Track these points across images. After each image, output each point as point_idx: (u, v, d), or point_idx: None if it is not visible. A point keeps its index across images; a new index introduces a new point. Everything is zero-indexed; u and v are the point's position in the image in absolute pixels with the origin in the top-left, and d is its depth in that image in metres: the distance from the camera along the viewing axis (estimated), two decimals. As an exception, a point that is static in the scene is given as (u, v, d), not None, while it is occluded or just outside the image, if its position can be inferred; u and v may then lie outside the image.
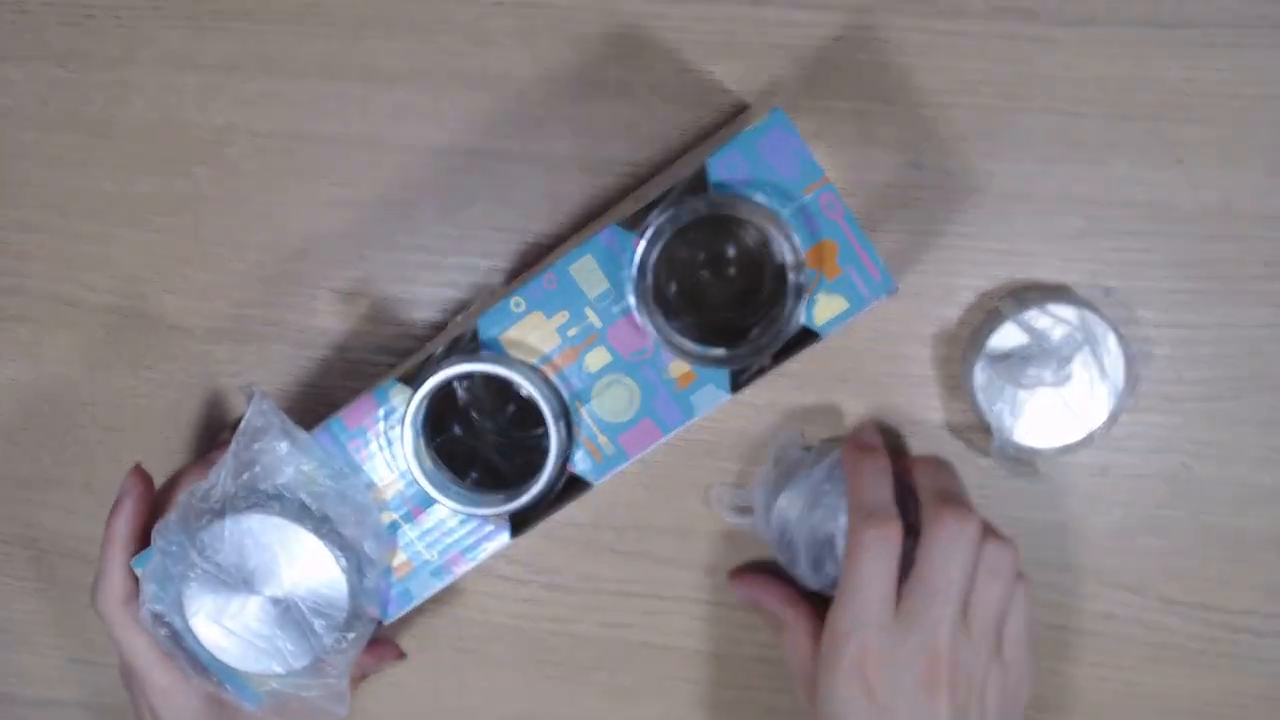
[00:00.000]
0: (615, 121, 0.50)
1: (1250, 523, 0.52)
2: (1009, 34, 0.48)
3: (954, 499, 0.46)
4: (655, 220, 0.41)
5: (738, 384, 0.44)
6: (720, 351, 0.43)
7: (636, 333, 0.43)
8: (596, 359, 0.44)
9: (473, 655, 0.57)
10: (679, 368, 0.44)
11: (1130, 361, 0.48)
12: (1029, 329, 0.48)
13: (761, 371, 0.43)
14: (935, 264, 0.51)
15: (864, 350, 0.52)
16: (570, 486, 0.45)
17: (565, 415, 0.44)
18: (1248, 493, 0.52)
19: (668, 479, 0.54)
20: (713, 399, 0.44)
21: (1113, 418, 0.49)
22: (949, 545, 0.44)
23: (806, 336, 0.43)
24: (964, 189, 0.50)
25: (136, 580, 0.46)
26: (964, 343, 0.51)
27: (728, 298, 0.46)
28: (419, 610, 0.56)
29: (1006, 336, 0.49)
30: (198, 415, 0.55)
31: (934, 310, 0.51)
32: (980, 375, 0.49)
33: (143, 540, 0.46)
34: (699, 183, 0.42)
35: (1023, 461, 0.50)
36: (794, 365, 0.52)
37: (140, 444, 0.56)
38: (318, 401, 0.54)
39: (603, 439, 0.44)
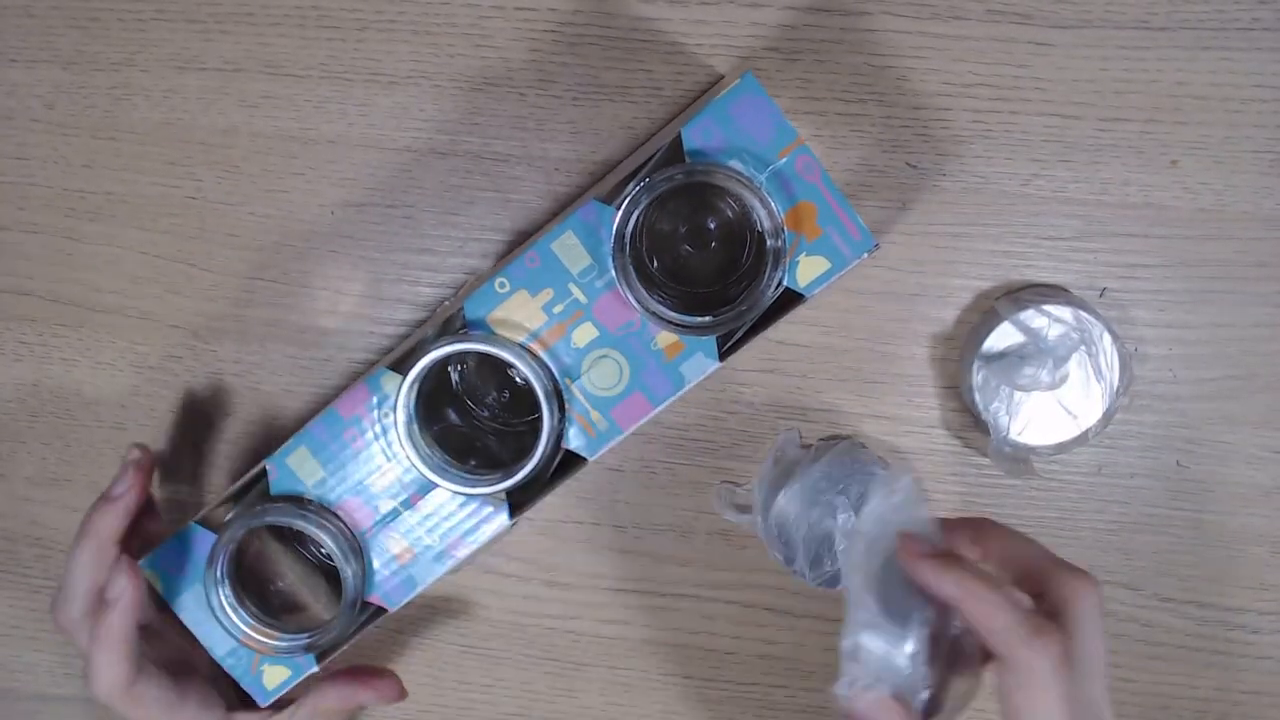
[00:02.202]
0: (615, 123, 0.51)
1: (1245, 521, 0.52)
2: (1005, 37, 0.48)
3: (1068, 564, 0.41)
4: (632, 190, 0.41)
5: (725, 351, 0.44)
6: (703, 318, 0.42)
7: (622, 306, 0.43)
8: (584, 334, 0.44)
9: (473, 651, 0.57)
10: (666, 339, 0.44)
11: (1125, 361, 0.49)
12: (1025, 329, 0.49)
13: (749, 336, 0.43)
14: (932, 265, 0.51)
15: (862, 350, 0.52)
16: (566, 463, 0.45)
17: (556, 392, 0.44)
18: (1242, 491, 0.52)
19: (668, 478, 0.54)
20: (701, 368, 0.44)
21: (1108, 417, 0.49)
22: (1098, 614, 0.39)
23: (792, 298, 0.43)
24: (961, 190, 0.50)
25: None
26: (961, 343, 0.52)
27: (711, 270, 0.46)
28: (421, 606, 0.56)
29: (1003, 336, 0.49)
30: (201, 414, 0.55)
31: (931, 310, 0.51)
32: (977, 375, 0.49)
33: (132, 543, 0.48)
34: (675, 152, 0.42)
35: (1019, 460, 0.50)
36: (792, 365, 0.52)
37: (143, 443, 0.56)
38: (320, 402, 0.54)
39: (595, 414, 0.44)
